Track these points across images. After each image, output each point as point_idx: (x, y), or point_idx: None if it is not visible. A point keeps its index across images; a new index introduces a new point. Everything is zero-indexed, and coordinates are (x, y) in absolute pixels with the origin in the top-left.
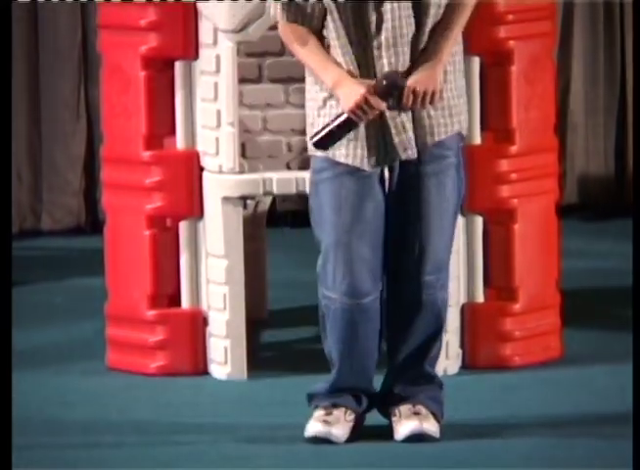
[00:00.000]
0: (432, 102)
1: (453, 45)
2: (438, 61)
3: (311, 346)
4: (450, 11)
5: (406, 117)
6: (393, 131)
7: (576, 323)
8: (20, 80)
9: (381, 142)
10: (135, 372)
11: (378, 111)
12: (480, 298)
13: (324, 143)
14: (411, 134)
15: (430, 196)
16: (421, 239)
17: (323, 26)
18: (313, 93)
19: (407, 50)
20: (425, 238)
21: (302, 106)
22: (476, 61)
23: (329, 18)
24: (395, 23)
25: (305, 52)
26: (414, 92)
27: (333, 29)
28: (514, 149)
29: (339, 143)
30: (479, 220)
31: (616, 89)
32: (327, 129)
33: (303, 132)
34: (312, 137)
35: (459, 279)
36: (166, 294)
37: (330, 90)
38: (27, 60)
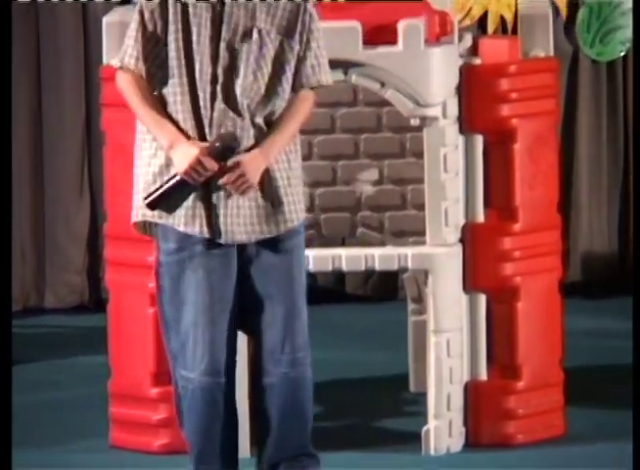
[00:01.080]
0: (243, 193)
1: (288, 141)
2: (265, 157)
3: (316, 423)
4: (291, 106)
5: (240, 203)
6: (225, 212)
7: (579, 401)
8: (23, 158)
9: (215, 218)
10: (138, 450)
11: (211, 172)
12: (483, 376)
13: (157, 203)
14: (242, 220)
15: (294, 272)
16: (287, 317)
17: (162, 84)
18: (146, 158)
19: (246, 122)
20: (291, 315)
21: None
22: (479, 139)
23: (171, 81)
24: (232, 94)
25: (143, 108)
26: (233, 177)
27: (173, 93)
28: (517, 227)
29: (178, 212)
30: (482, 298)
31: (619, 167)
32: (161, 190)
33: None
34: (145, 197)
35: (462, 357)
36: (169, 372)
37: (165, 151)
38: (31, 138)
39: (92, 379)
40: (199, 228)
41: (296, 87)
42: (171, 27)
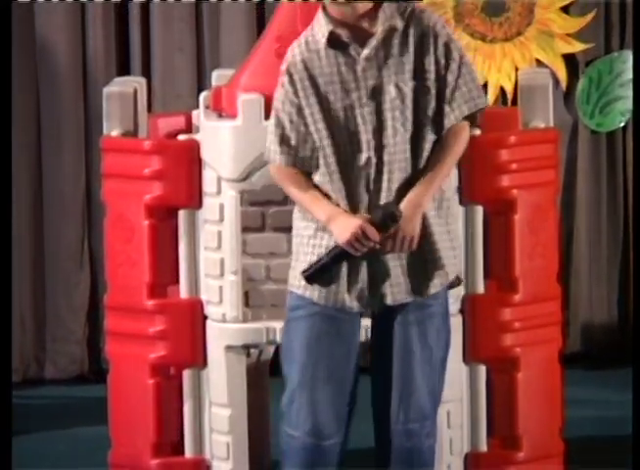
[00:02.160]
0: (409, 247)
1: (441, 180)
2: (417, 205)
3: None
4: (441, 144)
5: (393, 264)
6: (380, 277)
7: None
8: (23, 230)
9: (366, 286)
10: None
11: (373, 243)
12: (483, 447)
13: (317, 276)
14: (398, 281)
15: (412, 345)
16: (403, 387)
17: (313, 166)
18: (301, 230)
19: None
20: (407, 386)
21: None
22: (479, 210)
23: (321, 161)
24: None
25: (296, 191)
26: (395, 244)
27: (322, 174)
28: (517, 298)
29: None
30: (482, 369)
31: (618, 238)
32: (321, 262)
33: None
34: (305, 270)
35: (462, 428)
36: (170, 442)
37: (323, 224)
38: (31, 209)
39: (92, 450)
40: (341, 303)
41: (443, 129)
42: (306, 111)
